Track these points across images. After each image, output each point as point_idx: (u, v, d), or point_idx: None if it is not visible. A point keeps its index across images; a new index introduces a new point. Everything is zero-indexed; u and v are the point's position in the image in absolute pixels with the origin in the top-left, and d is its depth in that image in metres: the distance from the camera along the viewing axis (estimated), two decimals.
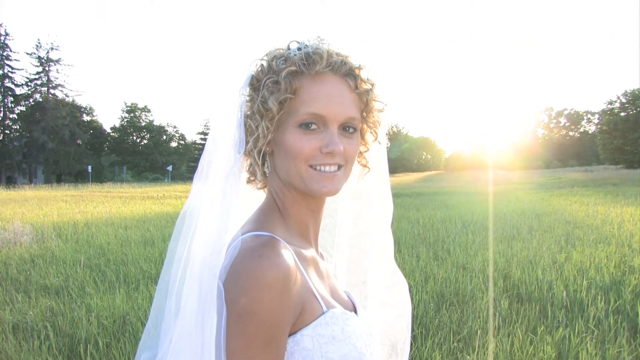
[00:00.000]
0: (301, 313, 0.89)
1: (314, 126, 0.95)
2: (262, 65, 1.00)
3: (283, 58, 0.97)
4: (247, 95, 1.01)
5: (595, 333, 4.23)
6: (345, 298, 1.13)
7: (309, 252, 1.04)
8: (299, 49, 0.97)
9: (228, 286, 0.83)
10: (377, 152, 1.17)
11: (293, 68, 0.94)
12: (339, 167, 0.98)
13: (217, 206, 0.96)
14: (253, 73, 1.01)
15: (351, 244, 1.32)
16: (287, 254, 0.89)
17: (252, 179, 1.08)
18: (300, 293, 0.89)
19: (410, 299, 1.33)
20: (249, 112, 1.00)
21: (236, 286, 0.82)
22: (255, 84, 1.00)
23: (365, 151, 1.14)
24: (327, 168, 0.96)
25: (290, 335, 0.89)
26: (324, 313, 0.93)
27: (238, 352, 0.80)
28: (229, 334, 0.81)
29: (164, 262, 1.09)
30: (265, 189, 1.10)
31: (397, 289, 1.31)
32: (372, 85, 1.03)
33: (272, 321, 0.81)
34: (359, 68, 1.00)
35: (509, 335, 4.20)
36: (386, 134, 1.21)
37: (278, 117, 0.96)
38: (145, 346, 1.09)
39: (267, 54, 1.00)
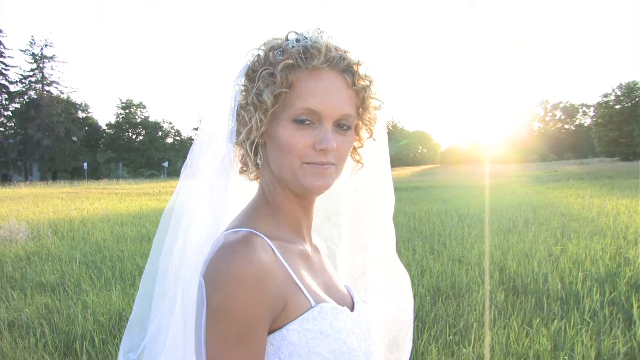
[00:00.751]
0: (284, 308, 0.89)
1: (308, 122, 0.94)
2: (258, 55, 0.98)
3: (280, 49, 0.95)
4: (242, 86, 1.00)
5: (590, 325, 4.25)
6: (345, 292, 1.12)
7: (299, 246, 1.03)
8: (297, 40, 0.95)
9: (206, 281, 0.84)
10: (374, 148, 1.15)
11: (290, 61, 0.93)
12: (331, 164, 0.97)
13: (206, 199, 0.96)
14: (249, 63, 0.99)
15: (351, 238, 1.32)
16: (265, 249, 0.89)
17: (244, 169, 1.07)
18: (281, 288, 0.88)
19: (412, 293, 1.32)
20: (243, 103, 0.99)
21: (211, 282, 0.83)
22: (250, 74, 0.98)
23: (360, 147, 1.13)
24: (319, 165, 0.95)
25: (276, 330, 0.88)
26: (311, 308, 0.92)
27: (213, 346, 0.81)
28: (206, 328, 0.82)
29: (160, 256, 1.09)
30: (259, 181, 1.09)
31: (399, 282, 1.31)
32: (370, 82, 1.01)
33: (246, 317, 0.82)
34: (358, 64, 0.98)
35: (504, 328, 4.21)
36: (386, 126, 1.19)
37: (272, 110, 0.94)
38: (131, 333, 1.11)
39: (264, 44, 0.98)
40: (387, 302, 1.30)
